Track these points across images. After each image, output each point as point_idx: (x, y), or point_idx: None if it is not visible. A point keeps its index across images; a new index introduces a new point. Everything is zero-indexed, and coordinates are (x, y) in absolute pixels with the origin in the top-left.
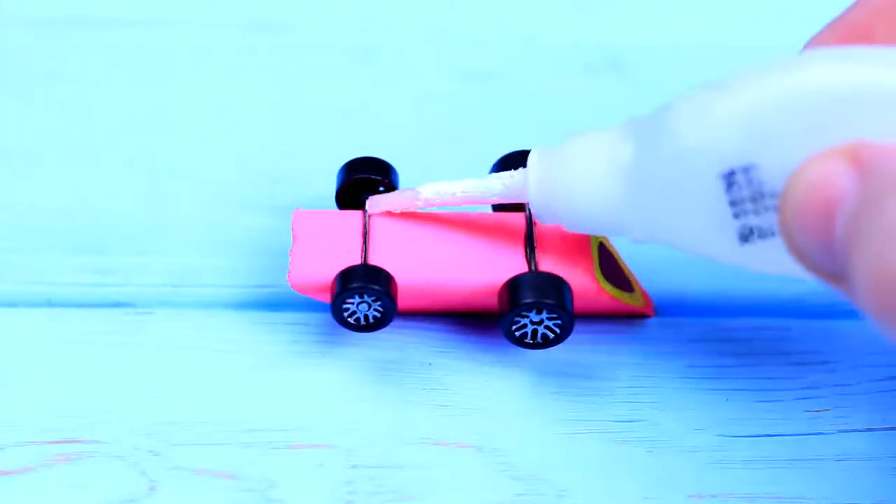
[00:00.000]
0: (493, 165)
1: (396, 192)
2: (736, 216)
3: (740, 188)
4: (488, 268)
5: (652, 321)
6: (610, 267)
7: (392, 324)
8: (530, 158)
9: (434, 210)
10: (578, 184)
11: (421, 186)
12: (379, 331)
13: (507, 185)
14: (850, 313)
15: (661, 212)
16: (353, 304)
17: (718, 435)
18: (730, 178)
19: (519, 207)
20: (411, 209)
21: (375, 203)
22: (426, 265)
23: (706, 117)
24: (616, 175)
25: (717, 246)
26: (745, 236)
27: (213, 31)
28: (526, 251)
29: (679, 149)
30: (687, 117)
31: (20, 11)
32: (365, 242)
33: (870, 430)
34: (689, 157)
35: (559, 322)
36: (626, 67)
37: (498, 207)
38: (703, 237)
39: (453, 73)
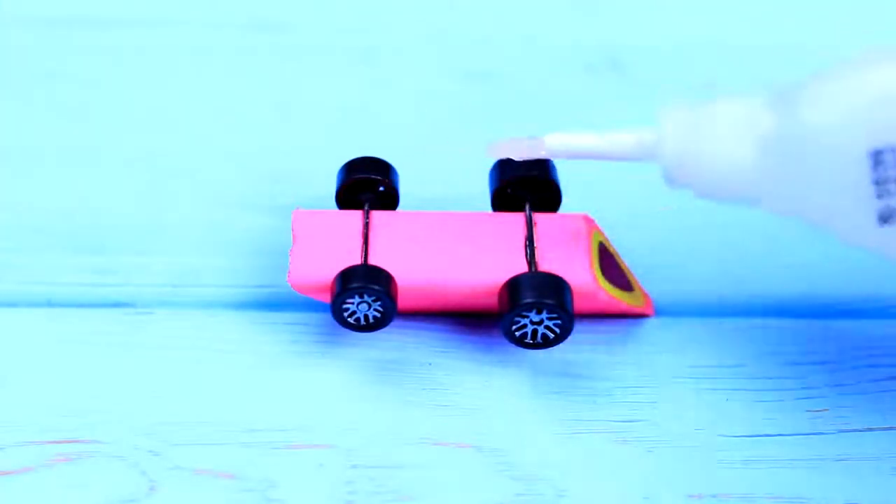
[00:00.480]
0: (493, 166)
1: (520, 137)
2: (879, 196)
3: (887, 168)
4: (488, 268)
5: (652, 321)
6: (610, 267)
7: (392, 324)
8: (662, 118)
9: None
10: (717, 148)
11: (546, 136)
12: (379, 331)
13: (641, 141)
14: (851, 313)
15: (801, 184)
16: (353, 304)
17: (718, 435)
18: (877, 157)
19: (519, 208)
20: (533, 157)
21: (497, 148)
22: (426, 265)
23: (855, 93)
24: (757, 144)
25: (853, 224)
26: (886, 217)
27: (213, 31)
28: (526, 251)
29: (826, 123)
30: (835, 92)
31: (20, 11)
32: (365, 242)
33: (870, 430)
34: (836, 132)
35: (559, 322)
36: (626, 67)
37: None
38: (840, 214)
39: (453, 73)
